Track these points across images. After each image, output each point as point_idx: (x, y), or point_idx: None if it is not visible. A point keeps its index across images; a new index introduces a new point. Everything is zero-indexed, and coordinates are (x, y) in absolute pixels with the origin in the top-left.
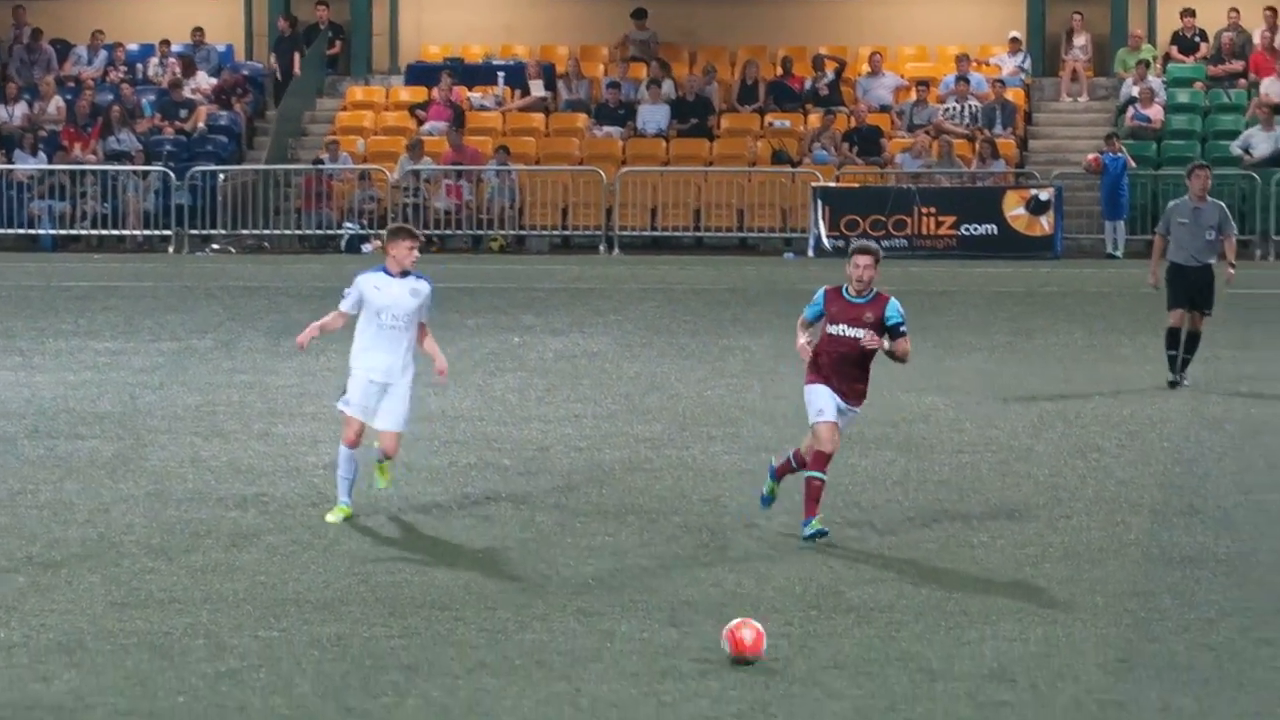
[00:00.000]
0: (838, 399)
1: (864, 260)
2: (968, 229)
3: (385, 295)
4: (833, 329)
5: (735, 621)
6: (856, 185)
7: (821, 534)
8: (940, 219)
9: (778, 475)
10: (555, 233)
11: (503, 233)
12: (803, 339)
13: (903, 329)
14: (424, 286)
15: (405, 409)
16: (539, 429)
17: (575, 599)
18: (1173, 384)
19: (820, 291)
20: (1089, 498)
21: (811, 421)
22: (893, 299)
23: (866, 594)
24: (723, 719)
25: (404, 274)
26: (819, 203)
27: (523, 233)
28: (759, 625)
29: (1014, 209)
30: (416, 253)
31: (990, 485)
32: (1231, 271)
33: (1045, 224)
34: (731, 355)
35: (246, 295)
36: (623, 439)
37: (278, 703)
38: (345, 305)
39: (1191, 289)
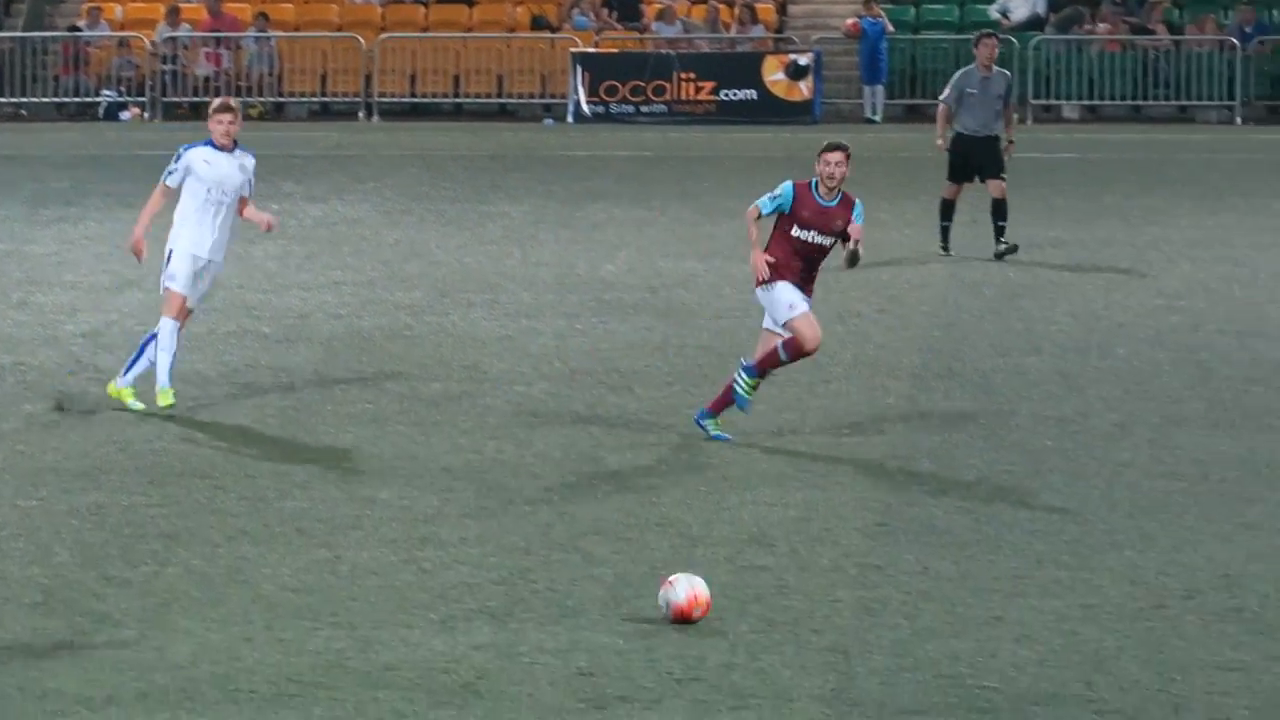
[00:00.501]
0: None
1: (835, 157)
2: (727, 94)
3: (215, 170)
4: (800, 233)
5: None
6: (616, 51)
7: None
8: (700, 84)
9: (758, 371)
10: (314, 99)
11: (262, 100)
12: (761, 255)
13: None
14: (250, 160)
15: (207, 288)
16: (299, 297)
17: (335, 466)
18: (944, 252)
19: (787, 186)
20: (848, 362)
21: (783, 320)
22: (858, 202)
23: (626, 459)
24: (482, 585)
25: (231, 148)
26: (578, 69)
27: (282, 99)
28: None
29: (773, 74)
30: (239, 125)
31: (750, 350)
32: (1011, 144)
33: (804, 89)
34: (491, 221)
35: (3, 164)
36: (383, 306)
37: (36, 572)
38: (171, 181)
39: (979, 159)
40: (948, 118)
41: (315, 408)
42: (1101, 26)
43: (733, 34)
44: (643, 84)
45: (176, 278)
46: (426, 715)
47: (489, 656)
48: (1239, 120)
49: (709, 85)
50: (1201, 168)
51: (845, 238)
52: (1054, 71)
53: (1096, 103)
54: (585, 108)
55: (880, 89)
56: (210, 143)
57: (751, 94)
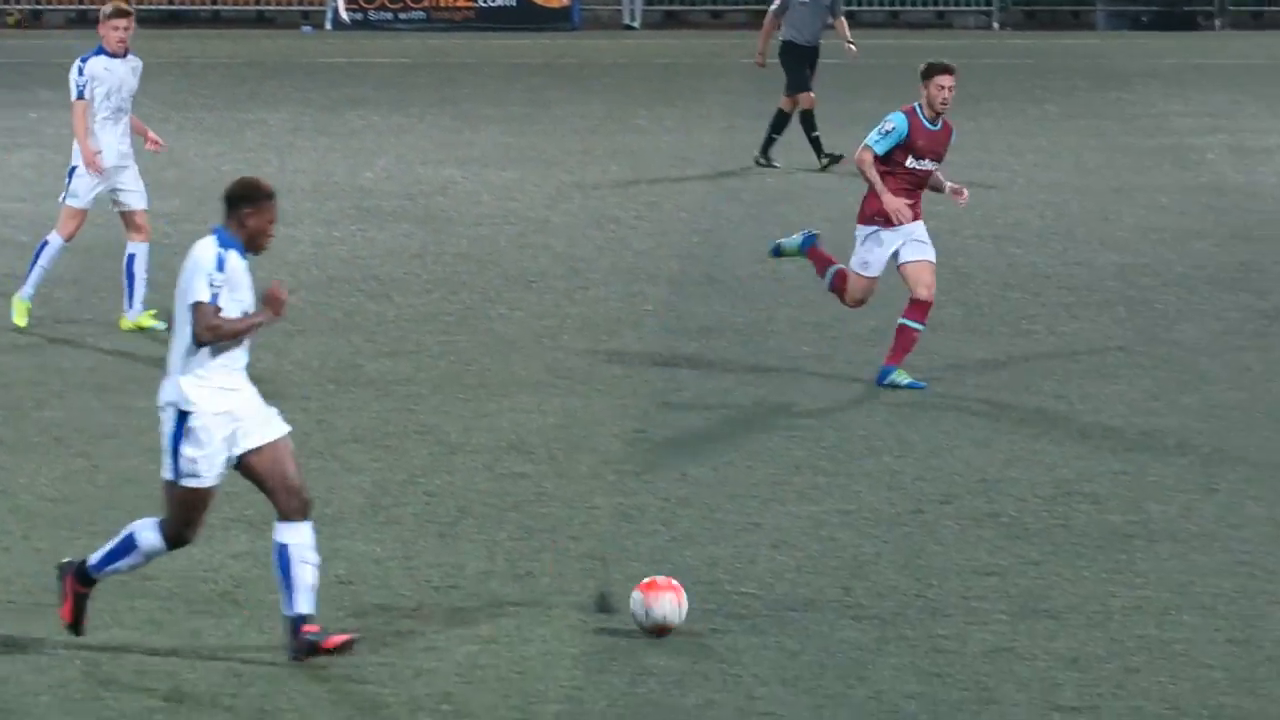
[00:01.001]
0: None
1: (947, 80)
2: (486, 0)
3: (115, 76)
4: (915, 163)
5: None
6: None
7: (918, 385)
8: None
9: (810, 255)
10: (72, 8)
11: (19, 7)
12: (894, 199)
13: None
14: (140, 64)
15: (143, 184)
16: (55, 205)
17: (93, 376)
18: (762, 163)
19: (899, 118)
20: (606, 268)
21: (852, 266)
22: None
23: (385, 367)
24: (240, 494)
25: (125, 54)
26: None
27: (40, 7)
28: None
29: None
30: (133, 29)
31: (508, 257)
32: (852, 48)
33: None
34: (249, 129)
35: None
36: None
37: None
38: (87, 94)
39: (810, 70)
40: (771, 30)
41: (72, 315)
42: None
43: None
44: None
45: (79, 195)
46: (184, 623)
47: (247, 565)
48: (996, 25)
49: None
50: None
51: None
52: None
53: (854, 8)
54: (344, 14)
55: None
56: (103, 50)
57: (510, 0)
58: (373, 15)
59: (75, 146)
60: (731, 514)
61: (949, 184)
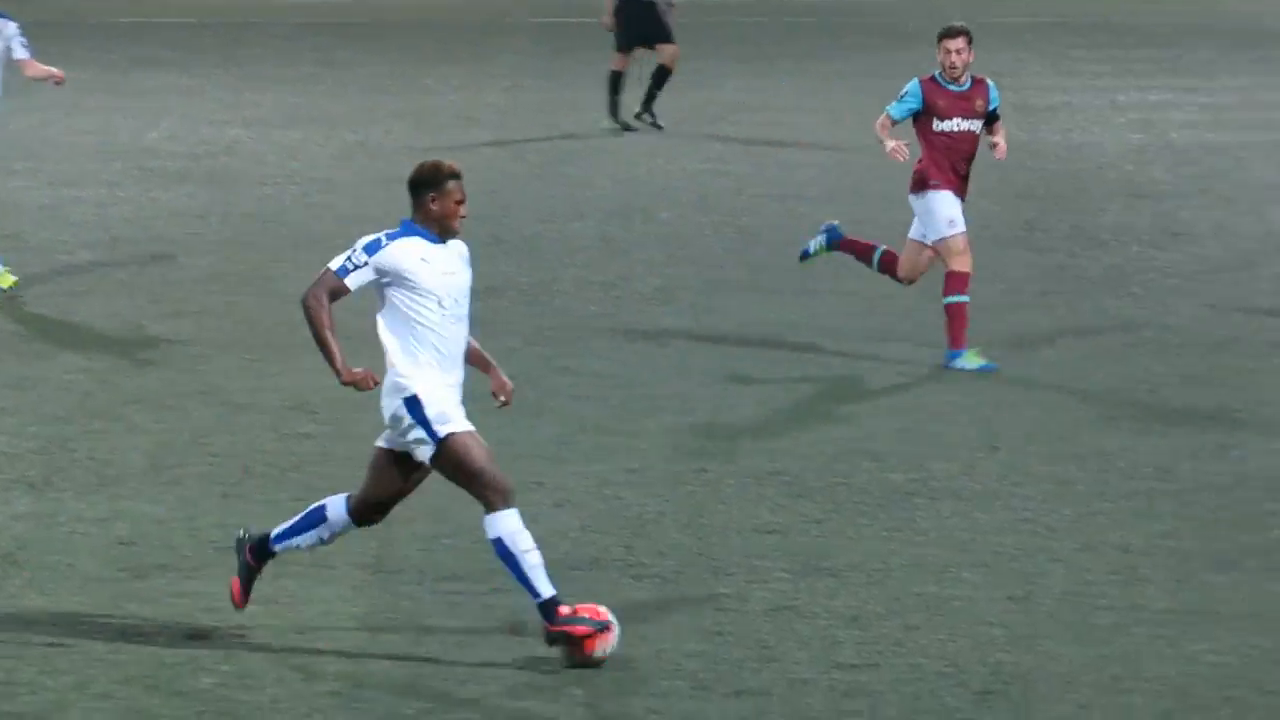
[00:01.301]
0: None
1: (955, 44)
2: None
3: None
4: (942, 125)
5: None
6: None
7: (990, 368)
8: None
9: (842, 247)
10: None
11: None
12: (891, 142)
13: (998, 113)
14: (10, 26)
15: None
16: None
17: None
18: (625, 127)
19: (913, 84)
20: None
21: (943, 235)
22: (990, 81)
23: (169, 328)
24: (21, 455)
25: None
26: None
27: None
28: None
29: None
30: None
31: (293, 217)
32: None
33: None
34: (34, 89)
35: None
36: None
37: None
38: None
39: (647, 26)
40: None
41: None
42: None
43: None
44: None
45: None
46: None
47: (28, 526)
48: None
49: None
50: (750, 30)
51: (992, 120)
52: None
53: None
54: None
55: None
56: None
57: None
58: None
59: None
60: (515, 473)
61: (994, 137)
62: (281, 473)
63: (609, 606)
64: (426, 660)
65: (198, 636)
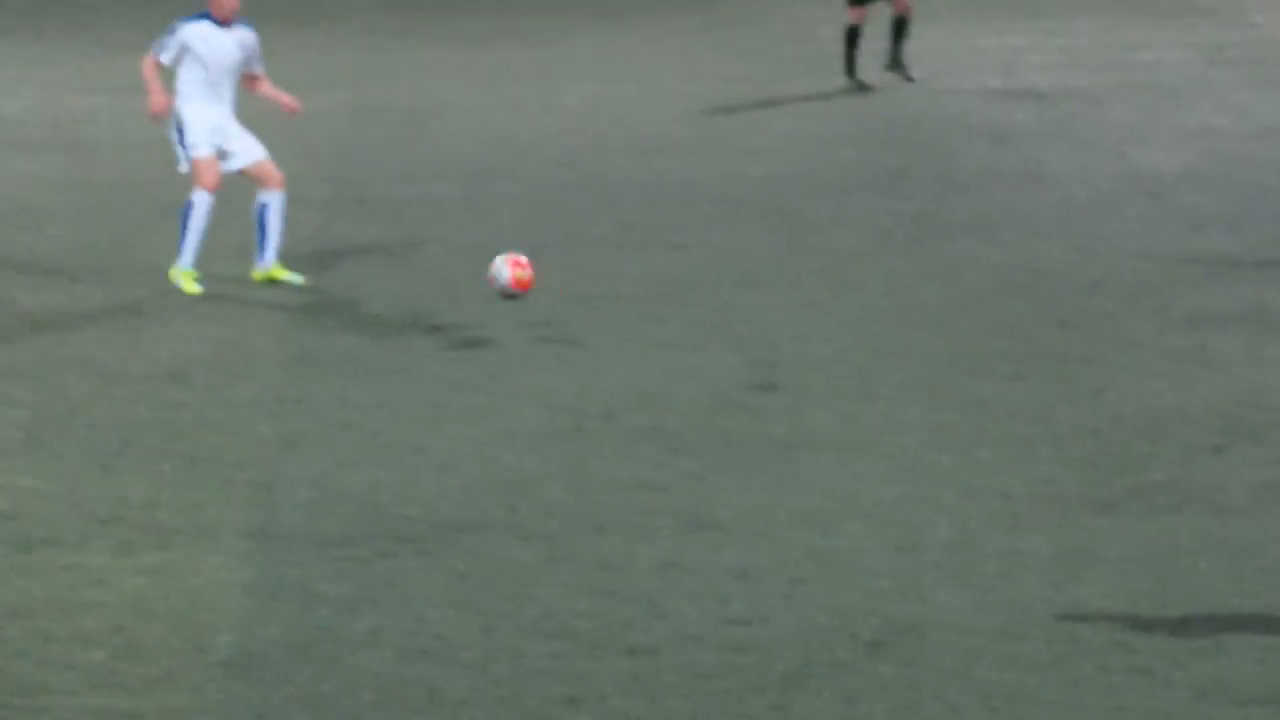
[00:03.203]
0: None
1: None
2: None
3: (211, 47)
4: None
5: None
6: None
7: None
8: None
9: None
10: None
11: None
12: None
13: None
14: (250, 37)
15: (253, 135)
16: None
17: None
18: (862, 86)
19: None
20: (254, 193)
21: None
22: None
23: (39, 299)
24: None
25: (230, 23)
26: None
27: None
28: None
29: None
30: None
31: (158, 185)
32: None
33: None
34: None
35: None
36: None
37: None
38: (164, 57)
39: None
40: None
41: None
42: None
43: None
44: None
45: (199, 144)
46: None
47: None
48: None
49: None
50: None
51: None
52: None
53: None
54: None
55: None
56: (208, 17)
57: None
58: None
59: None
60: (393, 437)
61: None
62: (162, 443)
63: (493, 568)
64: (317, 628)
65: (87, 609)
